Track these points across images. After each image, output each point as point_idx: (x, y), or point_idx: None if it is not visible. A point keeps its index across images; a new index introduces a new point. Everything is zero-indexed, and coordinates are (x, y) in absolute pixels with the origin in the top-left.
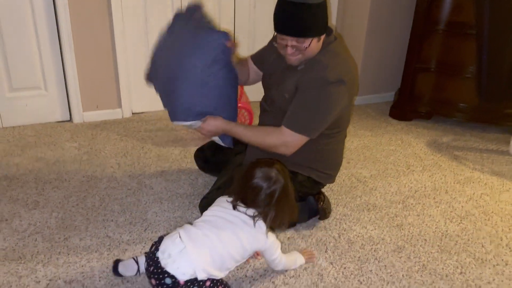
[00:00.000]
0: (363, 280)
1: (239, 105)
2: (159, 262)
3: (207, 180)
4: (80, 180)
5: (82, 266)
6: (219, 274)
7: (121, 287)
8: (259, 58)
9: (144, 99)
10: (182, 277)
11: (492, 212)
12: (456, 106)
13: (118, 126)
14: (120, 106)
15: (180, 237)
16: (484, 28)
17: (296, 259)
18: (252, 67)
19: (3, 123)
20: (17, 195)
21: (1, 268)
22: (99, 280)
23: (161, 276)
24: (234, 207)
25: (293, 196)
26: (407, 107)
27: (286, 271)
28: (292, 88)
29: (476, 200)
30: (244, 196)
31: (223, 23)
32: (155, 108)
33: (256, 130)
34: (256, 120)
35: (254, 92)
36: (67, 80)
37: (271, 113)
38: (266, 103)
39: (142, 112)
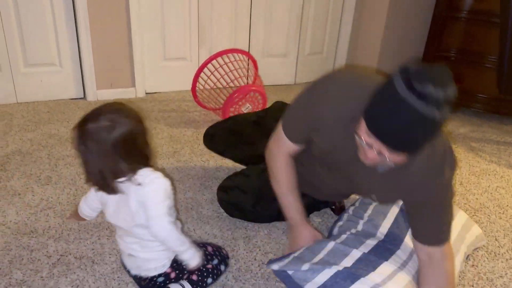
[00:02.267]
0: None
1: (253, 88)
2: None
3: (219, 163)
4: None
5: (93, 242)
6: (164, 254)
7: None
8: (302, 139)
9: (158, 79)
10: (145, 273)
11: (507, 205)
12: (475, 97)
13: (131, 106)
14: (134, 85)
15: None
16: (509, 16)
17: (191, 247)
18: (294, 147)
19: (18, 98)
20: (30, 170)
21: (13, 241)
22: (109, 257)
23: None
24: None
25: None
26: None
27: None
28: (388, 194)
29: (491, 193)
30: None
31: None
32: (169, 89)
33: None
34: (269, 103)
35: (266, 76)
36: (82, 57)
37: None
38: (326, 179)
39: (155, 92)
